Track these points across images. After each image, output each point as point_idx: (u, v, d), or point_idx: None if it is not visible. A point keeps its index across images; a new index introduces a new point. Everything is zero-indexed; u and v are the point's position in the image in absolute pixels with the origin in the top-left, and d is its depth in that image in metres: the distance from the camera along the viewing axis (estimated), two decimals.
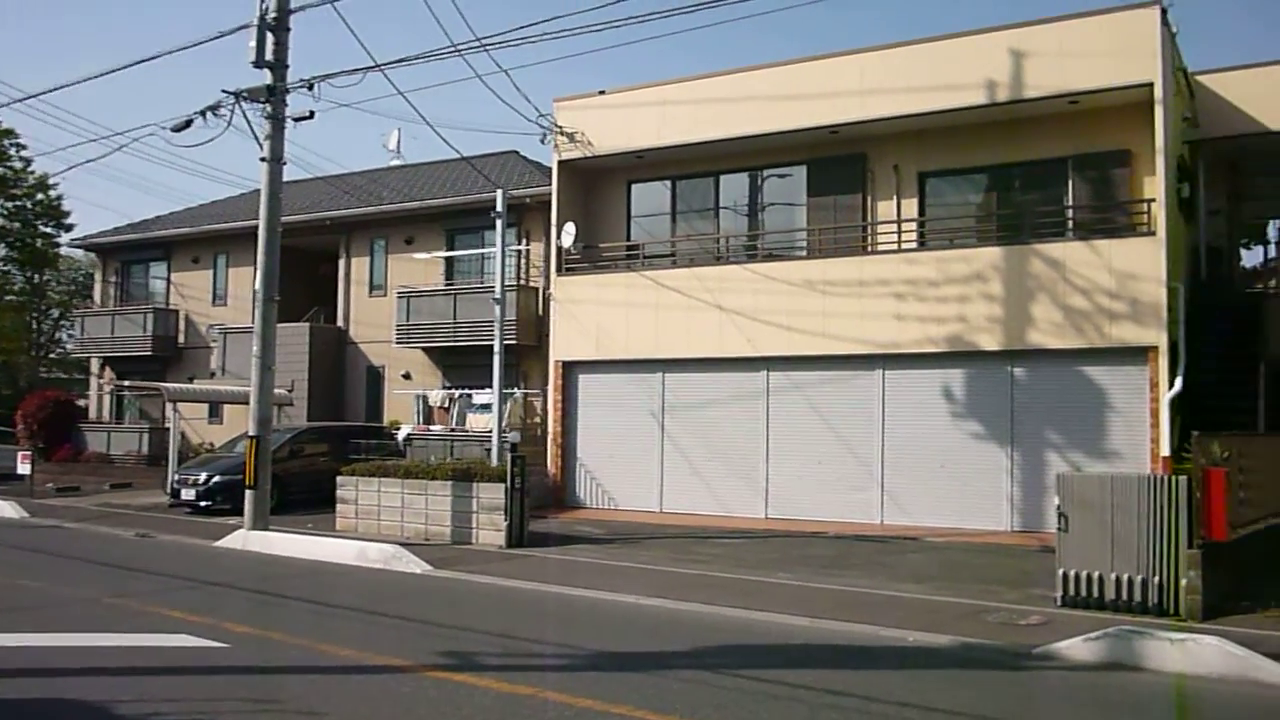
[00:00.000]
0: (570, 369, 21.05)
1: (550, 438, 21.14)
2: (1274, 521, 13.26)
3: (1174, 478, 10.45)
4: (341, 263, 27.13)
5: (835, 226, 19.59)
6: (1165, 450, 15.37)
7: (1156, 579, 10.22)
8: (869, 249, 19.13)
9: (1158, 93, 16.23)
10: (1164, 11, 16.52)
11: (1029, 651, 8.74)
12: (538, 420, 22.54)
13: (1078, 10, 17.00)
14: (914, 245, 18.70)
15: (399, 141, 29.33)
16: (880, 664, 8.47)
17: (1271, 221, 25.83)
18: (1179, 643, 8.39)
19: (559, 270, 21.22)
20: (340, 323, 27.03)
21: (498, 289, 17.66)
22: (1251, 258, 27.38)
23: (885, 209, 19.31)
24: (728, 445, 19.33)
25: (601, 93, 21.17)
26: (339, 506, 17.25)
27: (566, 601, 11.33)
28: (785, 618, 10.14)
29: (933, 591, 11.57)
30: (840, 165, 19.62)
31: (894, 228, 19.03)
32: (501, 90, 27.62)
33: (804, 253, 19.81)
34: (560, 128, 21.03)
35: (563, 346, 21.02)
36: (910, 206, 19.14)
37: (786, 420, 18.85)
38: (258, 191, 16.98)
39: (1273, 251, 21.81)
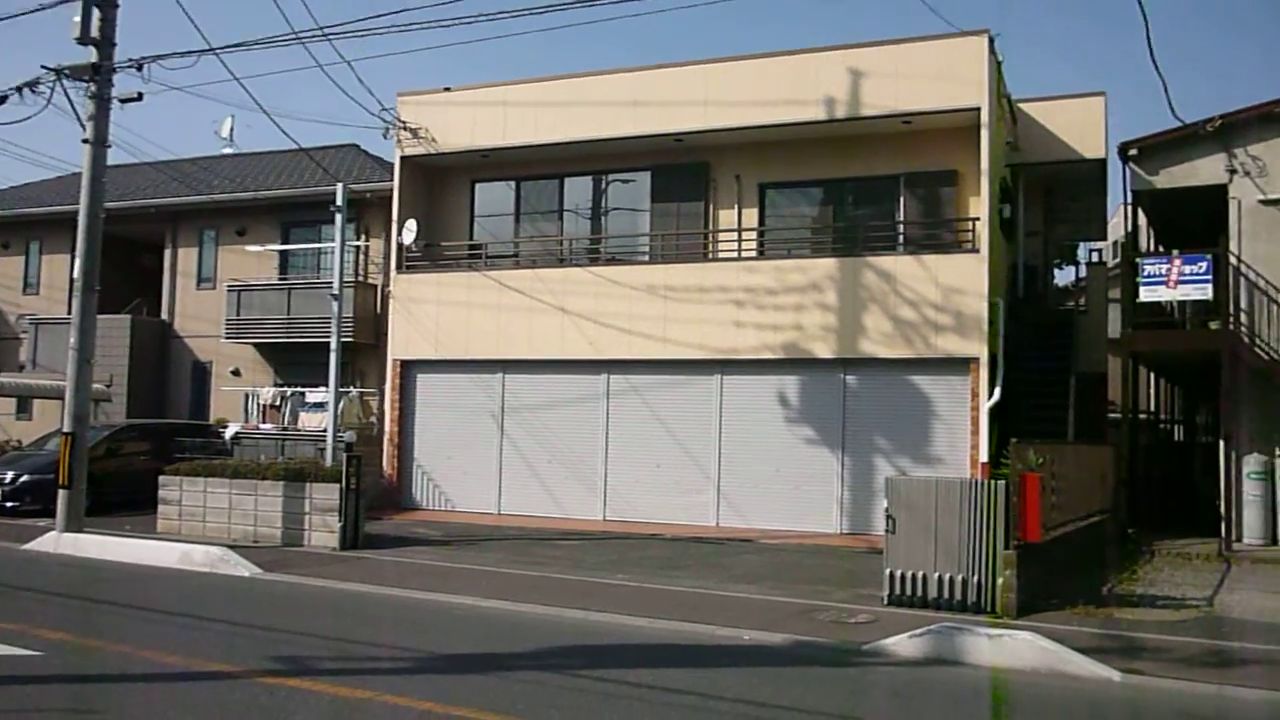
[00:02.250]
0: (409, 368, 20.71)
1: (387, 438, 20.74)
2: (1081, 524, 14.14)
3: (993, 482, 11.00)
4: (167, 253, 25.96)
5: (678, 233, 19.88)
6: (984, 456, 16.14)
7: (976, 578, 10.73)
8: (710, 256, 19.48)
9: (984, 117, 17.07)
10: (991, 41, 17.39)
11: (858, 648, 9.05)
12: (374, 420, 22.07)
13: (912, 35, 17.76)
14: (754, 254, 19.16)
15: (232, 129, 28.29)
16: (717, 662, 8.63)
17: (1082, 244, 27.54)
18: (996, 638, 8.85)
19: (399, 268, 20.86)
20: (165, 316, 25.85)
21: (335, 285, 17.21)
22: (1064, 277, 29.17)
23: (727, 217, 19.69)
24: (567, 447, 19.35)
25: (447, 89, 20.92)
26: (161, 508, 16.50)
27: (403, 604, 11.14)
28: (624, 618, 10.22)
29: (766, 592, 11.86)
30: (684, 173, 19.92)
31: (734, 236, 19.43)
32: (344, 82, 26.93)
33: (646, 258, 20.02)
34: (404, 123, 20.67)
35: (401, 345, 20.66)
36: (751, 216, 19.57)
37: (626, 423, 19.00)
38: (78, 175, 16.13)
39: (1082, 271, 23.16)
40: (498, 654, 8.66)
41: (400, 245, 20.56)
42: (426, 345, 20.41)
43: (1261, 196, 17.30)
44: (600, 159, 20.42)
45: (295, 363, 23.47)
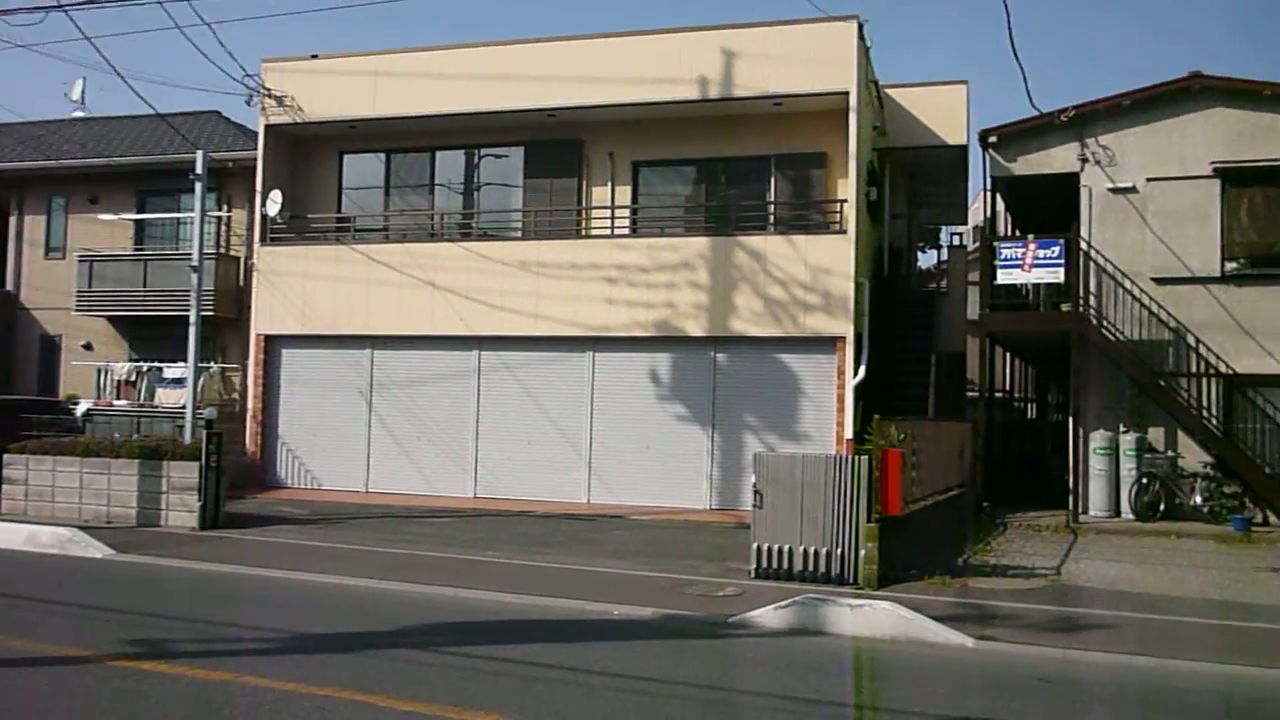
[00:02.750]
0: (273, 343, 20.15)
1: (250, 415, 20.15)
2: (940, 498, 14.63)
3: (856, 458, 11.30)
4: (13, 221, 24.62)
5: (551, 209, 19.79)
6: (849, 433, 16.56)
7: (840, 551, 11.02)
8: (583, 233, 19.45)
9: (852, 101, 17.42)
10: (860, 26, 17.75)
11: (725, 621, 9.20)
12: (236, 396, 21.42)
13: (784, 18, 17.99)
14: (626, 232, 19.20)
15: (83, 91, 26.86)
16: (587, 637, 8.67)
17: (944, 227, 28.40)
18: (857, 608, 9.11)
19: (263, 240, 20.25)
20: (9, 287, 24.54)
21: (195, 256, 16.59)
22: (927, 259, 30.06)
23: (600, 194, 19.67)
24: (437, 424, 19.14)
25: (314, 57, 20.33)
26: (5, 488, 15.69)
27: (266, 584, 10.86)
28: (494, 595, 10.17)
29: (636, 567, 11.95)
30: (557, 149, 19.81)
31: (608, 213, 19.44)
32: (205, 45, 25.91)
33: (519, 234, 19.89)
34: (268, 90, 20.03)
35: (265, 320, 20.08)
36: (624, 193, 19.60)
37: (497, 400, 18.88)
38: None
39: (944, 254, 23.89)
40: (364, 633, 8.54)
41: (265, 216, 19.95)
42: (292, 320, 19.88)
43: (1111, 185, 18.13)
44: (473, 133, 20.16)
45: (152, 337, 22.59)
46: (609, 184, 19.58)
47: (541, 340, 18.62)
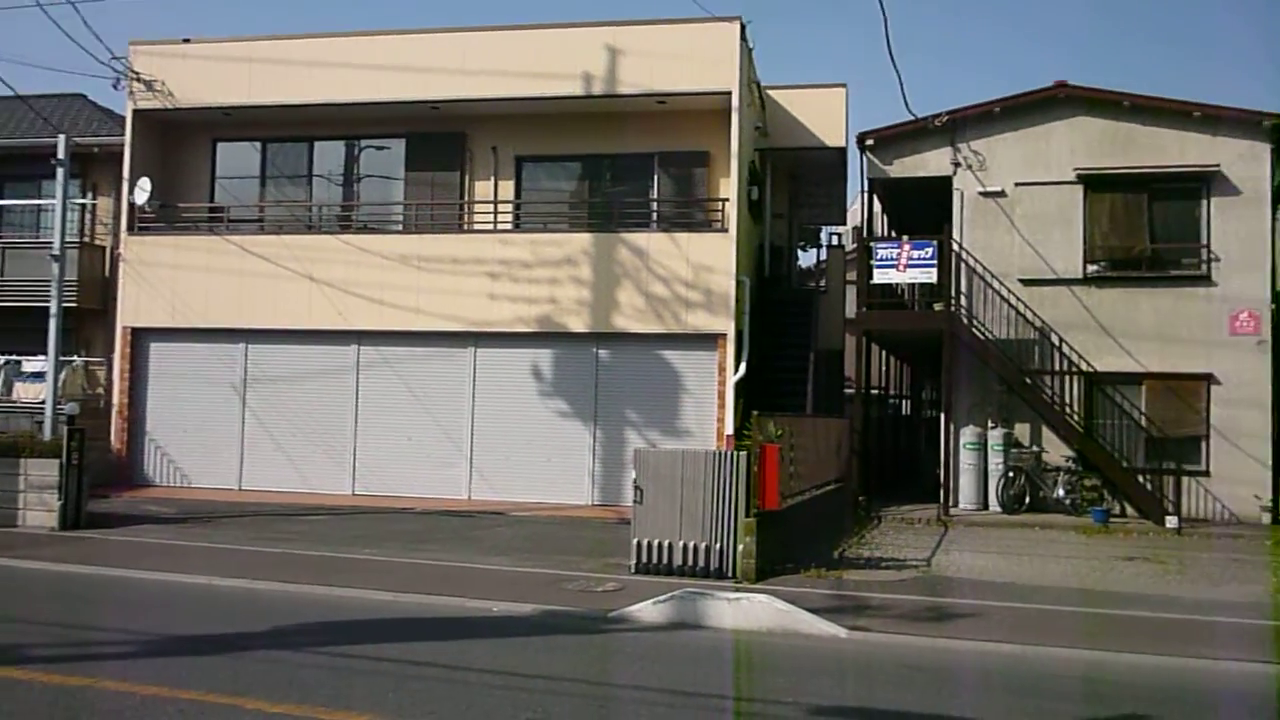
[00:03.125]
0: (141, 336, 19.45)
1: (116, 410, 19.41)
2: (817, 492, 14.92)
3: (735, 453, 11.43)
4: None
5: (433, 203, 19.55)
6: (730, 429, 16.75)
7: (719, 545, 11.13)
8: (465, 227, 19.27)
9: (734, 101, 17.63)
10: (743, 27, 17.97)
11: (605, 616, 9.22)
12: (101, 391, 20.60)
13: (668, 16, 18.09)
14: (509, 227, 19.09)
15: None
16: (465, 634, 8.59)
17: (824, 227, 28.94)
18: (734, 602, 9.23)
19: (131, 229, 19.53)
20: None
21: (56, 245, 15.88)
22: (807, 259, 30.58)
23: (483, 189, 19.52)
24: (314, 421, 18.74)
25: (186, 40, 19.69)
26: None
27: (130, 585, 10.47)
28: (370, 593, 10.00)
29: (517, 563, 11.89)
30: (439, 142, 19.58)
31: (490, 208, 19.28)
32: (69, 25, 24.84)
33: (400, 227, 19.59)
34: (137, 74, 19.31)
35: (132, 312, 19.36)
36: (507, 188, 19.49)
37: (377, 396, 18.59)
38: None
39: (824, 254, 24.33)
40: (234, 634, 8.30)
41: (132, 205, 19.24)
42: (161, 312, 19.22)
43: (981, 189, 18.72)
44: (353, 123, 19.79)
45: (9, 329, 21.47)
46: (492, 178, 19.44)
47: (423, 335, 18.39)
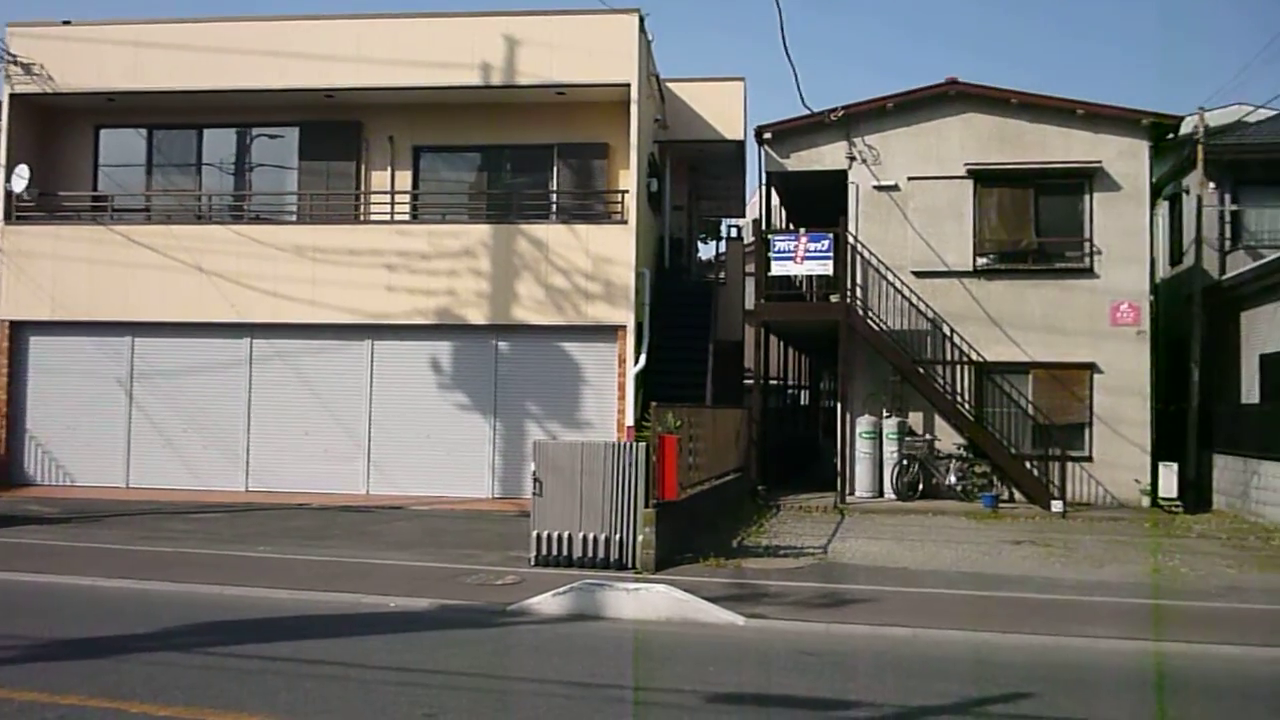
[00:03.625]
0: (20, 330, 18.72)
1: None
2: (717, 482, 15.07)
3: (634, 444, 11.47)
4: None
5: (328, 193, 19.19)
6: (630, 420, 16.81)
7: (619, 536, 11.17)
8: (362, 218, 18.97)
9: (634, 93, 17.67)
10: (641, 19, 17.99)
11: (504, 609, 9.18)
12: None
13: (568, 8, 18.00)
14: (407, 218, 18.85)
15: None
16: (361, 630, 8.46)
17: (724, 220, 29.21)
18: (633, 592, 9.26)
19: (8, 219, 18.78)
20: None
21: None
22: (708, 251, 30.85)
23: (379, 179, 19.23)
24: (206, 416, 18.28)
25: (66, 23, 18.98)
26: None
27: (8, 588, 10.06)
28: (265, 591, 9.80)
29: (415, 558, 11.77)
30: (335, 131, 19.22)
31: (388, 199, 19.01)
32: None
33: (294, 218, 19.19)
34: (14, 56, 18.56)
35: (11, 305, 18.63)
36: (404, 178, 19.24)
37: (271, 390, 18.20)
38: None
39: (724, 246, 24.53)
40: (120, 636, 8.04)
41: (9, 193, 18.53)
42: (41, 305, 18.53)
43: (876, 183, 19.08)
44: (245, 111, 19.32)
45: None
46: (389, 168, 19.18)
47: (318, 328, 18.06)
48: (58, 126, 19.82)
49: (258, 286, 17.99)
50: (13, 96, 18.83)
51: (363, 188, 19.21)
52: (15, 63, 18.58)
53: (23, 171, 18.17)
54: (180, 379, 18.39)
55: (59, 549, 12.13)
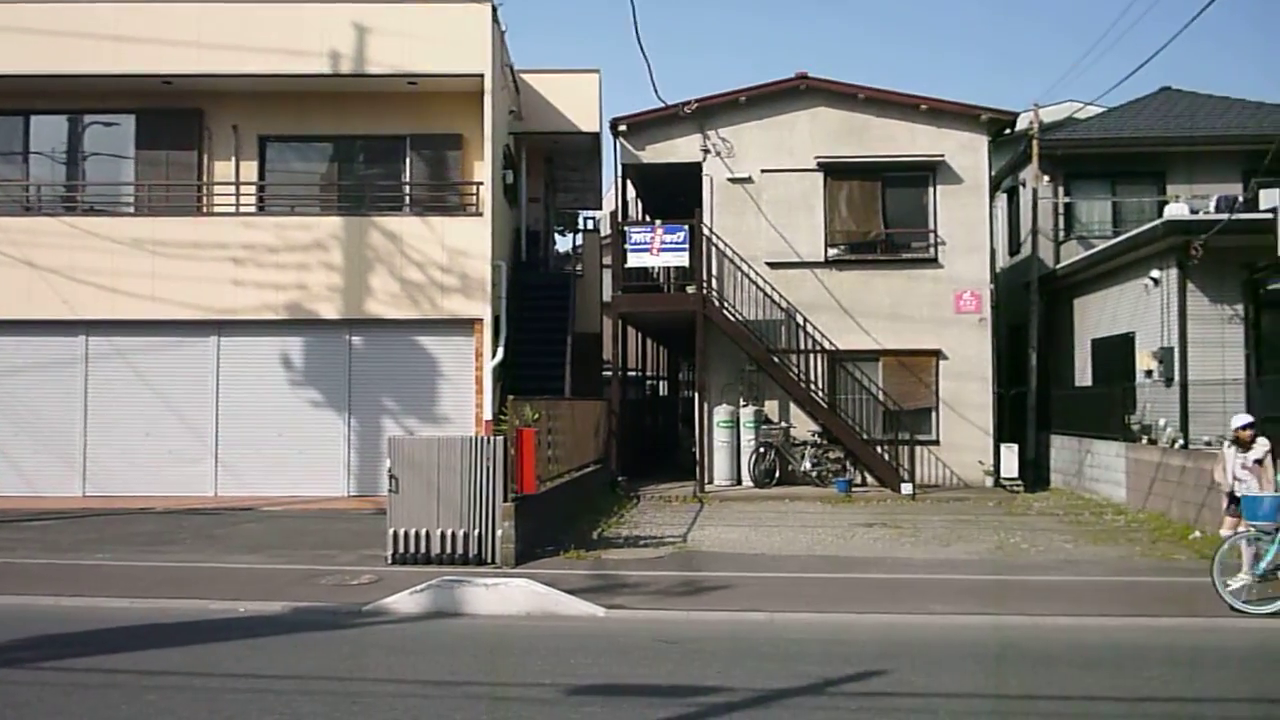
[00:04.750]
0: None
1: None
2: (577, 474, 15.06)
3: (492, 438, 11.38)
4: None
5: (168, 184, 18.40)
6: (489, 414, 16.64)
7: (477, 531, 11.07)
8: (205, 210, 18.28)
9: (487, 84, 17.45)
10: (494, 10, 17.80)
11: (359, 610, 8.98)
12: None
13: None
14: (253, 209, 18.25)
15: None
16: (209, 638, 8.15)
17: (581, 213, 29.15)
18: (492, 587, 9.19)
19: None
20: None
21: None
22: (566, 243, 30.74)
23: (223, 170, 18.53)
24: (37, 418, 17.33)
25: None
26: None
27: None
28: (103, 601, 9.36)
29: (267, 560, 11.42)
30: (174, 119, 18.43)
31: (232, 190, 18.35)
32: None
33: (131, 209, 18.33)
34: None
35: None
36: (250, 169, 18.58)
37: (109, 390, 17.37)
38: None
39: (580, 239, 24.51)
40: None
41: None
42: None
43: (730, 175, 19.34)
44: (77, 97, 18.35)
45: None
46: (233, 158, 18.50)
47: (159, 324, 17.32)
48: None
49: (93, 281, 17.14)
50: None
51: (205, 178, 18.49)
52: None
53: None
54: (10, 379, 17.39)
55: None
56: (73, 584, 10.03)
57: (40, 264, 17.20)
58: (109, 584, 10.05)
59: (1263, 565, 9.10)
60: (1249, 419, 10.38)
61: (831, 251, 19.23)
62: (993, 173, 19.96)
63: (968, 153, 19.11)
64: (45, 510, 15.80)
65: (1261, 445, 10.13)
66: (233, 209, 18.11)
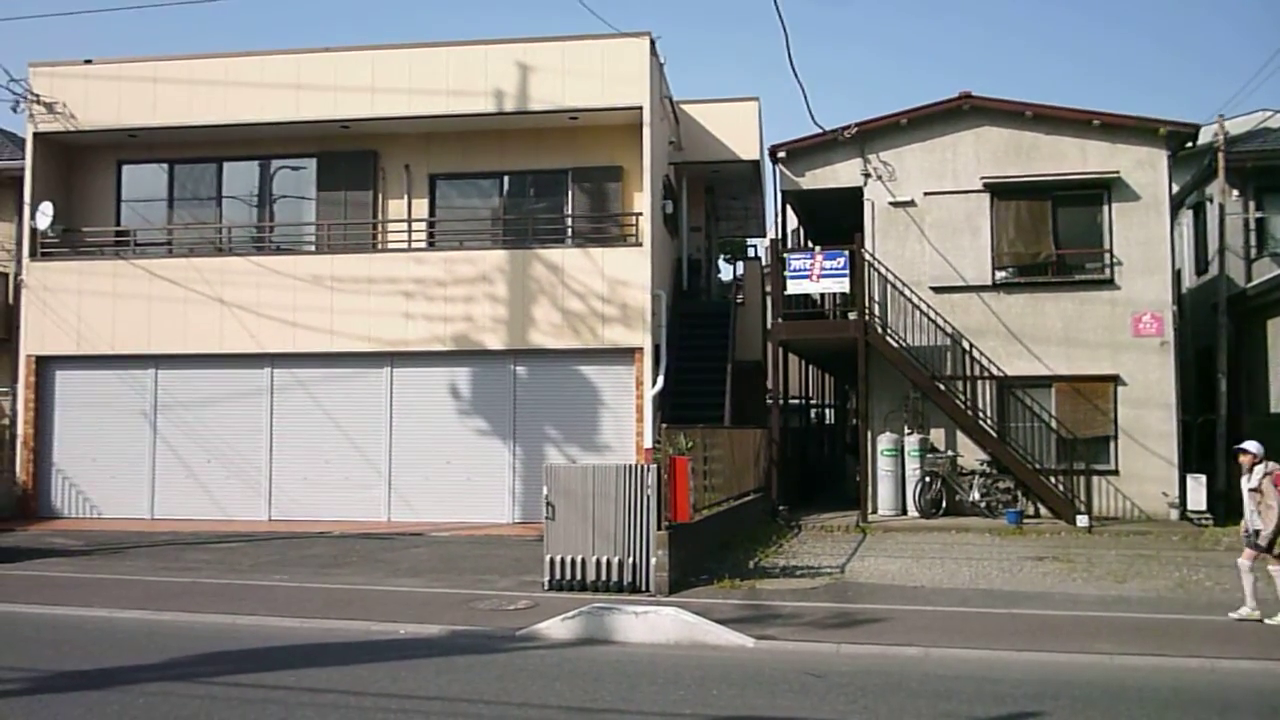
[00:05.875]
0: (45, 365, 18.98)
1: (21, 441, 18.88)
2: (734, 503, 14.99)
3: (645, 466, 11.43)
4: None
5: (346, 223, 19.32)
6: (649, 442, 16.75)
7: (631, 559, 11.12)
8: (379, 247, 19.10)
9: (646, 116, 17.72)
10: (653, 43, 18.07)
11: (513, 634, 9.15)
12: (6, 422, 20.03)
13: (579, 33, 18.12)
14: (423, 245, 18.95)
15: None
16: (368, 658, 8.45)
17: (754, 240, 29.13)
18: (641, 616, 9.21)
19: (33, 255, 19.06)
20: None
21: None
22: (734, 271, 30.72)
23: (396, 208, 19.37)
24: (228, 446, 18.41)
25: (88, 61, 19.31)
26: None
27: (23, 621, 10.13)
28: (275, 620, 9.83)
29: (429, 584, 11.77)
30: (352, 161, 19.40)
31: (404, 227, 19.14)
32: None
33: (312, 248, 19.34)
34: (37, 96, 18.90)
35: (37, 340, 18.89)
36: (421, 206, 19.36)
37: (292, 419, 18.31)
38: None
39: (740, 268, 24.46)
40: (125, 667, 8.08)
41: (34, 230, 18.79)
42: (67, 340, 18.77)
43: (891, 199, 18.98)
44: (263, 143, 19.54)
45: None
46: (405, 197, 19.31)
47: (337, 356, 18.18)
48: (80, 163, 20.14)
49: (277, 316, 18.14)
50: (36, 135, 19.15)
51: (379, 216, 19.35)
52: (39, 102, 18.90)
53: (47, 209, 18.45)
54: (202, 410, 18.55)
55: (78, 581, 12.22)
56: (249, 603, 10.57)
57: (230, 301, 18.31)
58: (282, 604, 10.55)
59: None
60: (1249, 445, 10.00)
61: (999, 274, 18.61)
62: (1174, 189, 18.95)
63: (1145, 168, 18.21)
64: (232, 533, 16.73)
65: (1258, 472, 9.70)
66: (404, 245, 18.87)
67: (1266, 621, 9.40)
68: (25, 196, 19.05)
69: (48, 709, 6.72)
